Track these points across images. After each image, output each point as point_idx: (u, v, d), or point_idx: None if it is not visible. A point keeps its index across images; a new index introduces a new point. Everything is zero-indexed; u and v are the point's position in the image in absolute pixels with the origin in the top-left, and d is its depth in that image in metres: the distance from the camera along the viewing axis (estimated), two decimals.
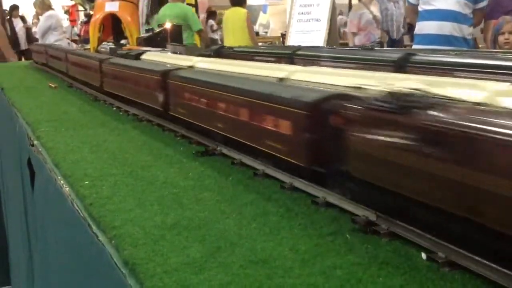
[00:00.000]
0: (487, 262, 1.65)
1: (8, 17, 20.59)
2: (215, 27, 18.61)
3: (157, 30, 10.04)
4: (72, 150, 3.65)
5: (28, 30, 19.90)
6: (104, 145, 3.75)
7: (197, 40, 11.85)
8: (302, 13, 8.53)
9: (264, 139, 2.54)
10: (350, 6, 25.43)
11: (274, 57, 5.15)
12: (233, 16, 11.72)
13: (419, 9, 9.09)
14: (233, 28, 11.62)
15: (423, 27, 8.98)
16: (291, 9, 8.97)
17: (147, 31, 10.79)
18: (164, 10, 11.80)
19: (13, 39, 19.23)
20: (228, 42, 11.30)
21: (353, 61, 3.91)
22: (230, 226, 2.22)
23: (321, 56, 4.44)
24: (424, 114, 1.63)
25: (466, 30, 8.74)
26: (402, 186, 1.80)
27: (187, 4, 13.70)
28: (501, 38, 8.00)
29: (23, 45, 19.60)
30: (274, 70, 3.26)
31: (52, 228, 3.34)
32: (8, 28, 19.11)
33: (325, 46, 7.54)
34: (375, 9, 11.56)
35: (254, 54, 5.75)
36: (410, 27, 12.93)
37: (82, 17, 21.09)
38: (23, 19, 20.37)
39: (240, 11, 11.73)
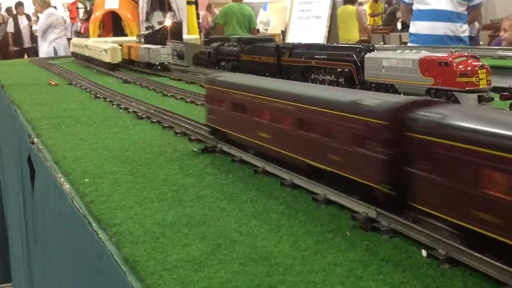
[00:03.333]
0: (487, 259, 1.65)
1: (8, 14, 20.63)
2: None
3: (157, 27, 10.05)
4: (72, 147, 3.65)
5: (32, 28, 19.87)
6: (104, 143, 3.75)
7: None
8: (302, 10, 8.52)
9: None
10: None
11: None
12: (344, 13, 13.73)
13: (414, 8, 9.16)
14: (344, 23, 13.41)
15: (417, 26, 9.09)
16: (291, 7, 8.97)
17: (147, 28, 10.81)
18: (232, 7, 14.24)
19: (17, 36, 19.16)
20: (343, 37, 13.26)
21: None
22: (231, 223, 2.22)
23: None
24: None
25: (461, 29, 8.82)
26: None
27: (187, 1, 13.92)
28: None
29: (27, 42, 19.53)
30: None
31: (52, 226, 3.34)
32: (13, 24, 19.08)
33: (326, 43, 7.54)
34: None
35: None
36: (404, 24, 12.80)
37: (81, 14, 21.06)
38: (28, 17, 20.32)
39: (351, 9, 14.03)
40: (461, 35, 8.77)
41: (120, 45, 9.06)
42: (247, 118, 2.97)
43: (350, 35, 13.26)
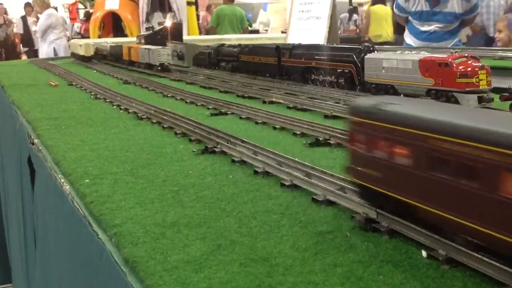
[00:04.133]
0: (487, 259, 1.65)
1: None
2: (358, 22, 19.00)
3: (157, 28, 10.07)
4: (73, 148, 3.65)
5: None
6: (104, 143, 3.75)
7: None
8: (302, 11, 8.53)
9: None
10: (350, 5, 25.45)
11: None
12: (380, 11, 15.17)
13: (410, 21, 9.48)
14: (380, 21, 15.11)
15: (413, 39, 9.51)
16: (291, 7, 8.97)
17: (147, 29, 10.84)
18: (223, 9, 14.94)
19: (26, 37, 19.03)
20: (375, 32, 14.98)
21: None
22: (231, 224, 2.22)
23: None
24: None
25: (451, 44, 9.17)
26: None
27: (187, 2, 13.96)
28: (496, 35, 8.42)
29: (37, 43, 19.39)
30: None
31: (52, 227, 3.34)
32: (22, 25, 18.97)
33: (326, 44, 7.54)
34: None
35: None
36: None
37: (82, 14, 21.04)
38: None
39: (384, 8, 15.26)
40: (452, 44, 9.17)
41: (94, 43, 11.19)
42: (483, 191, 1.57)
43: (383, 31, 14.77)
